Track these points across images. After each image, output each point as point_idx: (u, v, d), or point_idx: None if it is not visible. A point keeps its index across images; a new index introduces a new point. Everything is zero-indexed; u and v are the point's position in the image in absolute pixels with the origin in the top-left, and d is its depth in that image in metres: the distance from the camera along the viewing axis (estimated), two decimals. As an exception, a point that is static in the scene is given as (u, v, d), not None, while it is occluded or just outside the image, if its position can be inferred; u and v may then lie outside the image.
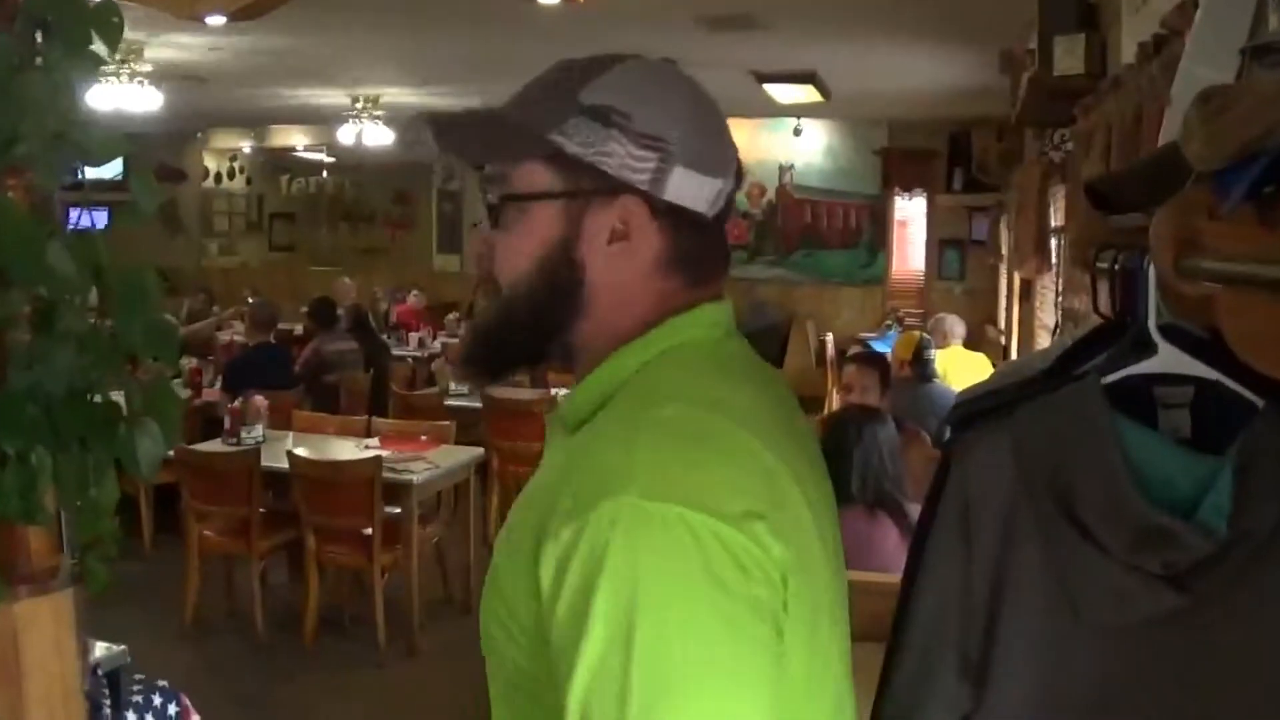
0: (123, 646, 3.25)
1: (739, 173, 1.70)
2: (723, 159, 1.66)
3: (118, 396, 2.29)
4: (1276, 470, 1.58)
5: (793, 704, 1.44)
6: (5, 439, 2.09)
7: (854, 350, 10.31)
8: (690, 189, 1.63)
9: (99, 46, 2.20)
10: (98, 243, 2.19)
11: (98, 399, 2.27)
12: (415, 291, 17.95)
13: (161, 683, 3.38)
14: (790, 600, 1.42)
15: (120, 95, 12.20)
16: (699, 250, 1.67)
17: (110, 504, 2.33)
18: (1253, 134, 1.37)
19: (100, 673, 3.07)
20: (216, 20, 8.79)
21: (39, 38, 2.19)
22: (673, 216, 1.64)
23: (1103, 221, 2.26)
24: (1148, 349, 1.75)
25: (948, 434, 1.88)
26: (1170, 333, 1.75)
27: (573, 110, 1.63)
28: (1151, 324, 1.75)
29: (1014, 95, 9.35)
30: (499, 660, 1.60)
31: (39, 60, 2.19)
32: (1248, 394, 1.69)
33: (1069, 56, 6.20)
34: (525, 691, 1.55)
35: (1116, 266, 1.92)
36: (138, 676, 3.32)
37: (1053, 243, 7.87)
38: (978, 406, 1.84)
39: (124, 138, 2.24)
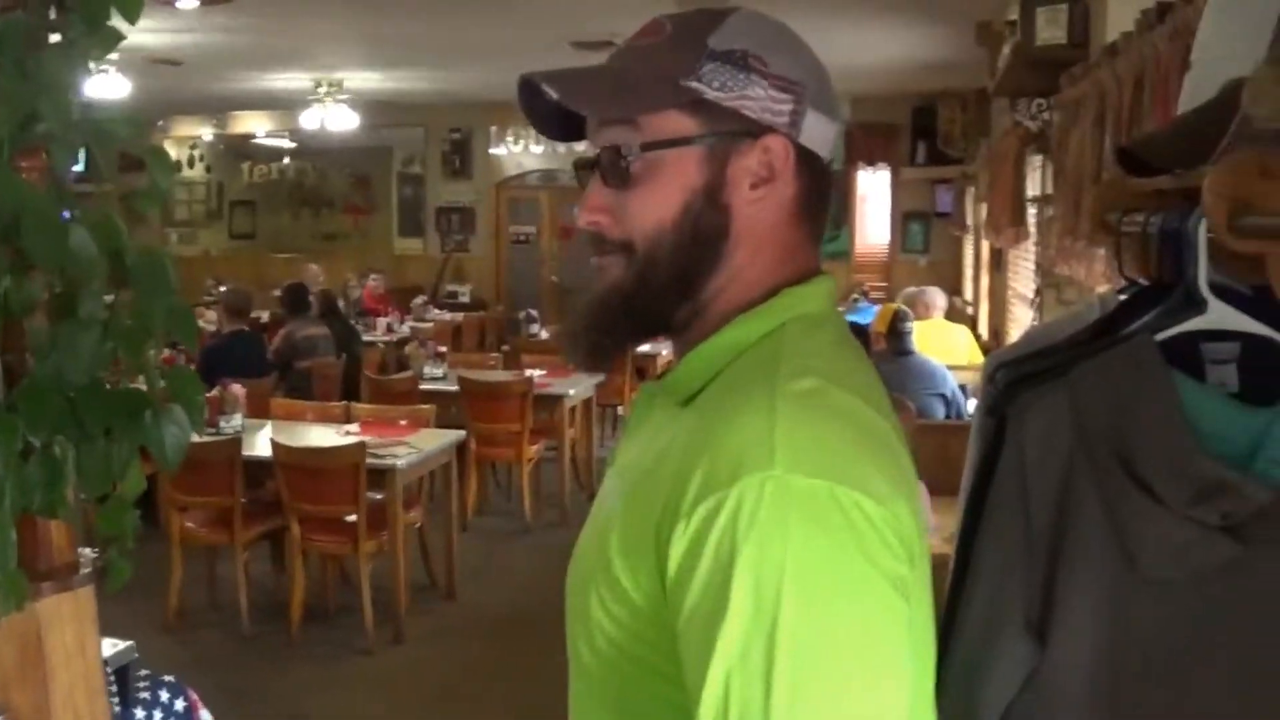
0: (130, 642, 3.22)
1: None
2: (836, 103, 1.70)
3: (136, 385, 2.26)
4: (1328, 421, 1.59)
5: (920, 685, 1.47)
6: (30, 430, 2.06)
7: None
8: (819, 131, 1.66)
9: (118, 21, 2.17)
10: (117, 224, 2.17)
11: (119, 387, 2.24)
12: (374, 276, 17.86)
13: (168, 678, 3.35)
14: (916, 580, 1.43)
15: (88, 83, 12.01)
16: (824, 197, 1.70)
17: (135, 495, 2.31)
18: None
19: (109, 669, 3.05)
20: (189, 3, 8.77)
21: (53, 14, 2.16)
22: (807, 160, 1.66)
23: (1120, 185, 2.26)
24: (1197, 306, 1.75)
25: (992, 397, 1.88)
26: (1216, 290, 1.76)
27: (706, 57, 1.62)
28: (1202, 281, 1.75)
29: (992, 66, 9.37)
30: (593, 647, 1.55)
31: (55, 37, 2.16)
32: (1301, 348, 1.70)
33: (1051, 26, 6.24)
34: (626, 677, 1.53)
35: (1150, 228, 1.91)
36: (143, 672, 3.29)
37: (1029, 212, 7.88)
38: (1025, 369, 1.84)
39: (141, 119, 2.22)
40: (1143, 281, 2.03)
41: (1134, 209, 2.06)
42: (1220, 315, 1.75)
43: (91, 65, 2.21)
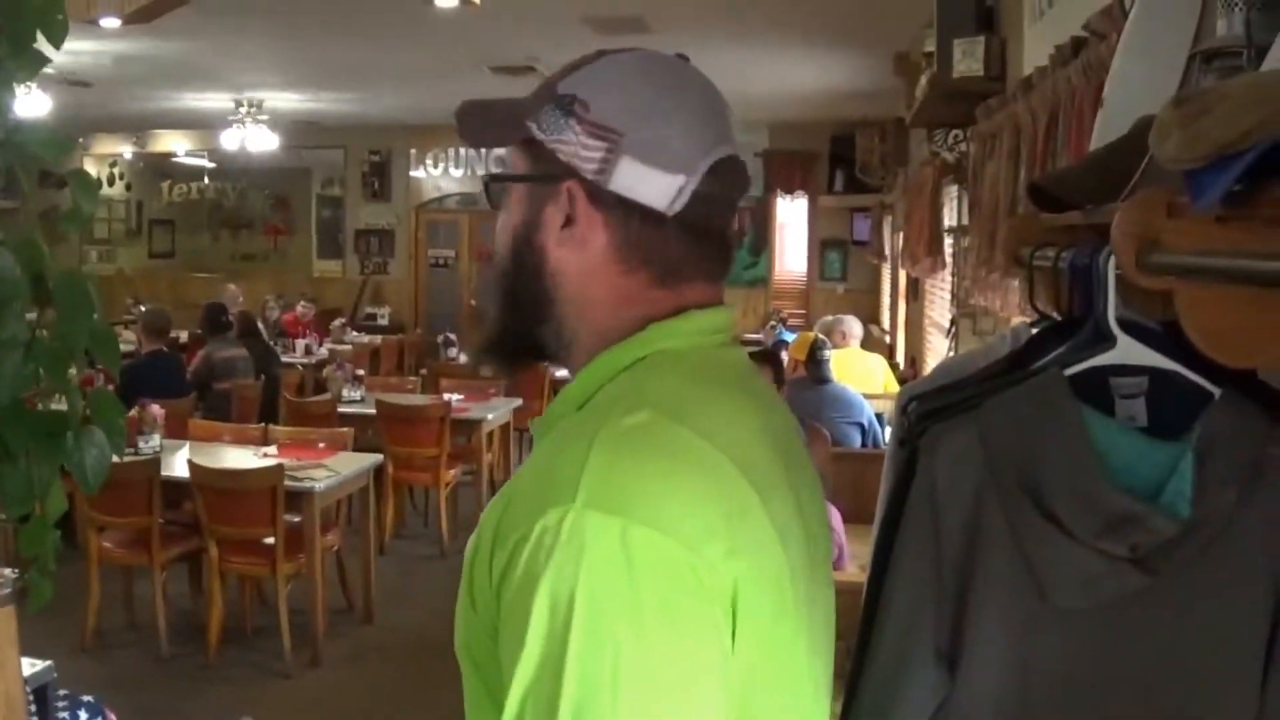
0: (49, 662, 3.21)
1: (729, 176, 1.67)
2: (685, 156, 1.62)
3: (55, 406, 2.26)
4: (1234, 454, 1.64)
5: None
6: (-48, 451, 2.06)
7: (747, 350, 10.35)
8: (640, 182, 1.62)
9: (43, 44, 2.17)
10: (39, 246, 2.17)
11: (40, 408, 2.24)
12: (304, 302, 17.75)
13: (87, 697, 3.34)
14: (741, 616, 1.42)
15: (14, 103, 11.92)
16: (661, 247, 1.66)
17: (56, 515, 2.31)
18: (1230, 136, 1.40)
19: (27, 689, 3.03)
20: (111, 23, 8.74)
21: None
22: (623, 209, 1.64)
23: (1033, 220, 2.31)
24: (1106, 341, 1.79)
25: (904, 429, 1.91)
26: (1125, 325, 1.80)
27: (549, 99, 1.66)
28: (1111, 317, 1.79)
29: (909, 97, 9.43)
30: (471, 663, 1.57)
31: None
32: (1204, 382, 1.74)
33: (968, 59, 6.28)
34: (487, 682, 1.54)
35: (1061, 263, 1.95)
36: (62, 691, 3.28)
37: (946, 242, 7.95)
38: (938, 401, 1.88)
39: (69, 139, 2.22)
40: (1054, 315, 2.07)
41: (1046, 244, 2.10)
42: (1128, 350, 1.79)
43: (20, 87, 2.21)
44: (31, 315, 2.19)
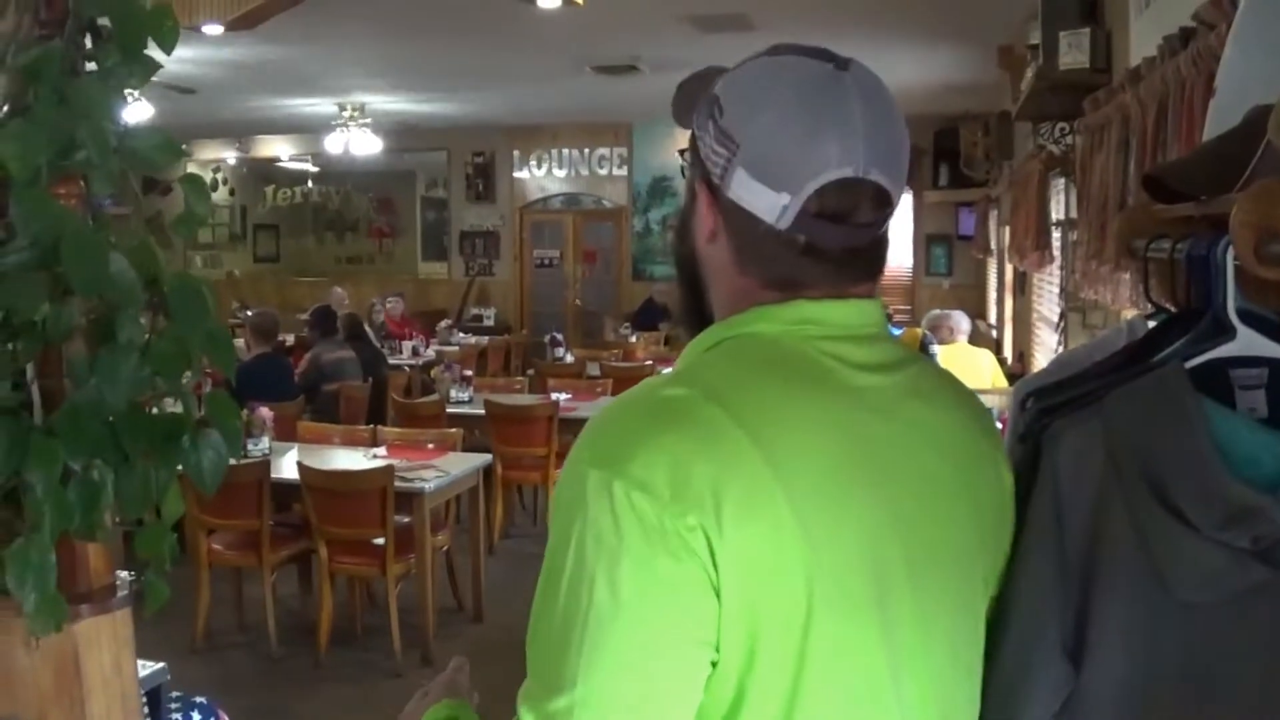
0: (161, 664, 3.24)
1: (845, 199, 1.65)
2: (792, 175, 1.62)
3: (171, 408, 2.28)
4: (1356, 445, 1.61)
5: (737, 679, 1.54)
6: (69, 454, 2.08)
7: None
8: (750, 194, 1.65)
9: (154, 51, 2.19)
10: (154, 251, 2.19)
11: (156, 410, 2.26)
12: (391, 299, 17.62)
13: (199, 699, 3.37)
14: (725, 578, 1.50)
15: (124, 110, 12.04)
16: (773, 259, 1.68)
17: (174, 518, 2.33)
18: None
19: (141, 691, 3.06)
20: (214, 29, 8.83)
21: (89, 43, 2.18)
22: (740, 215, 1.67)
23: (1146, 211, 2.28)
24: (1226, 333, 1.76)
25: (1025, 425, 1.90)
26: (1244, 316, 1.77)
27: (709, 95, 1.73)
28: (1230, 308, 1.76)
29: (1014, 90, 9.36)
30: None
31: (91, 65, 2.18)
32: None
33: (1074, 51, 6.24)
34: None
35: (1177, 255, 1.93)
36: (175, 694, 3.31)
37: (1054, 235, 7.88)
38: (1059, 396, 1.86)
39: (178, 144, 2.24)
40: (1169, 307, 2.04)
41: (1159, 235, 2.07)
42: (1248, 342, 1.77)
43: (128, 93, 2.23)
44: (145, 321, 2.21)
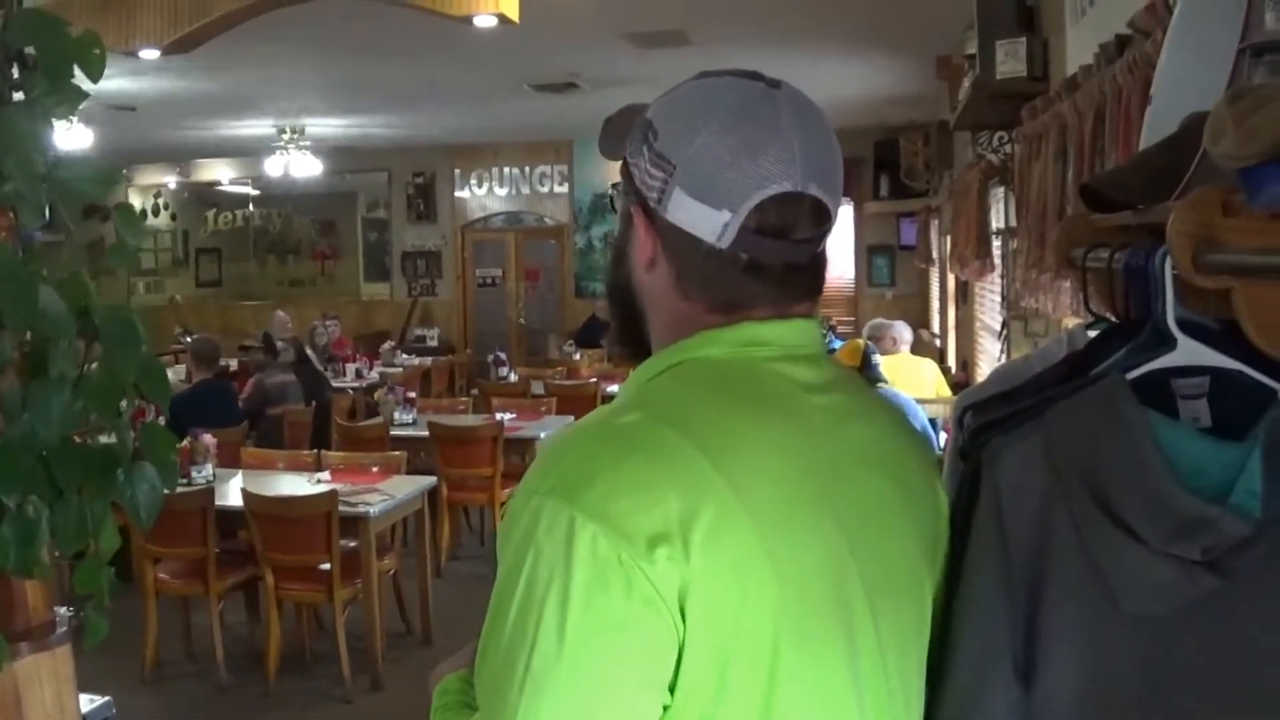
0: (107, 697, 3.21)
1: (786, 213, 1.64)
2: (732, 192, 1.62)
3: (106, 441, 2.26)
4: (1303, 449, 1.60)
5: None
6: (3, 491, 2.05)
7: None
8: (689, 215, 1.64)
9: (81, 79, 2.17)
10: (85, 283, 2.16)
11: (91, 444, 2.23)
12: (329, 321, 17.34)
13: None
14: (693, 616, 1.46)
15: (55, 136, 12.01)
16: (716, 279, 1.67)
17: (110, 552, 2.30)
18: (1289, 132, 1.38)
19: (86, 725, 3.03)
20: (150, 54, 8.77)
21: (15, 72, 2.16)
22: (679, 238, 1.66)
23: (1084, 221, 2.27)
24: (1167, 343, 1.76)
25: (962, 441, 1.89)
26: (1184, 325, 1.77)
27: (642, 122, 1.72)
28: (1170, 318, 1.76)
29: (951, 100, 9.40)
30: None
31: (18, 95, 2.16)
32: (1266, 380, 1.71)
33: (1011, 60, 6.26)
34: None
35: (1115, 265, 1.92)
36: (120, 728, 3.27)
37: (994, 244, 7.91)
38: (997, 411, 1.85)
39: (117, 171, 2.21)
40: (1109, 317, 2.04)
41: (1098, 245, 2.07)
42: (1189, 351, 1.76)
43: (56, 122, 2.21)
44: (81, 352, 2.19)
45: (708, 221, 1.63)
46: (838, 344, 11.34)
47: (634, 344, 1.81)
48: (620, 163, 1.78)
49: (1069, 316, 4.30)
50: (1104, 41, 3.82)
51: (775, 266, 1.67)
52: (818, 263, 1.74)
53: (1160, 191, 1.91)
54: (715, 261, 1.65)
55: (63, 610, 2.39)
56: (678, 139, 1.65)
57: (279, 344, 12.44)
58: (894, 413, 1.88)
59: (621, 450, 1.51)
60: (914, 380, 9.98)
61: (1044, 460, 1.70)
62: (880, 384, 8.44)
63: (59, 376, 2.09)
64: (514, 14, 7.72)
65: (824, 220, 1.70)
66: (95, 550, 2.28)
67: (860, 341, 9.00)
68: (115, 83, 12.24)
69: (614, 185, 1.82)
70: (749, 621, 1.49)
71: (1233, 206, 1.58)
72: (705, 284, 1.68)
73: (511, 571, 1.49)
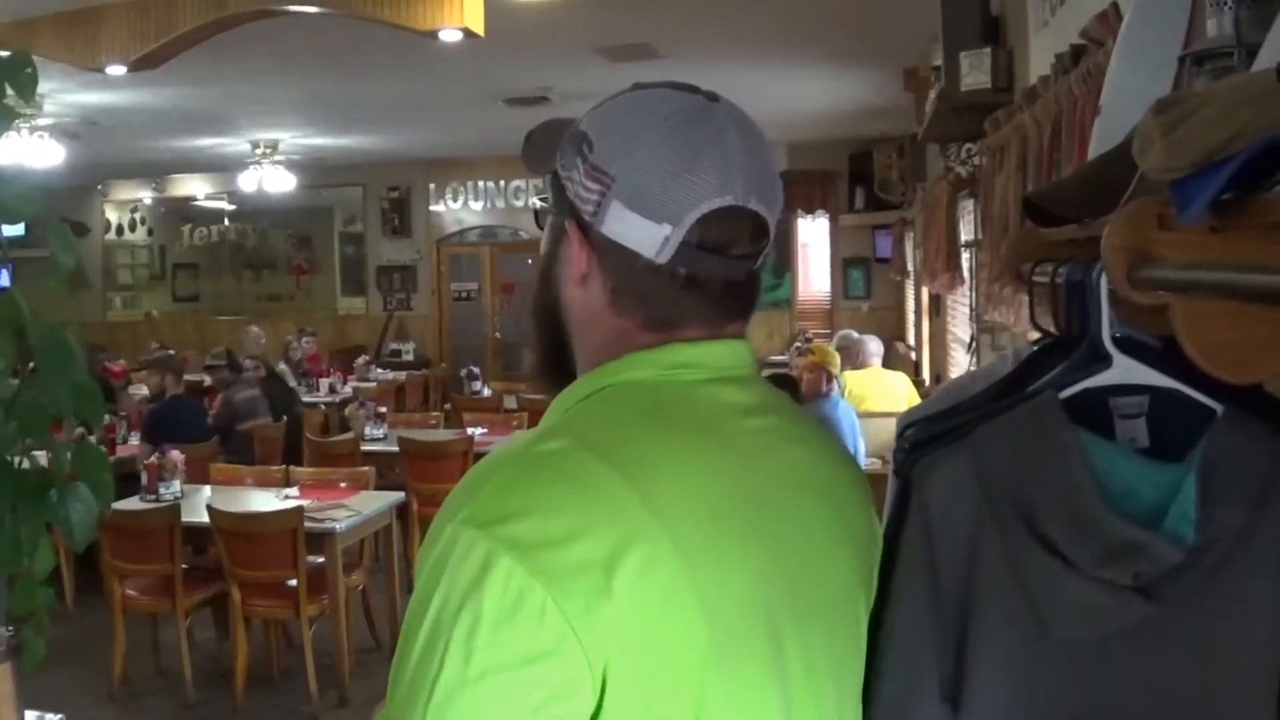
0: (60, 716, 3.18)
1: (727, 227, 1.62)
2: (671, 206, 1.58)
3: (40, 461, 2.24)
4: (1239, 474, 1.57)
5: None
6: (-67, 512, 2.02)
7: (766, 374, 10.29)
8: (627, 229, 1.60)
9: (11, 99, 2.15)
10: (18, 303, 2.14)
11: (24, 465, 2.21)
12: (307, 337, 17.27)
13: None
14: (618, 650, 1.42)
15: (21, 149, 12.06)
16: (653, 295, 1.63)
17: (45, 573, 2.28)
18: (1216, 142, 1.35)
19: (39, 744, 3.00)
20: (117, 70, 8.76)
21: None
22: (616, 253, 1.62)
23: (1034, 235, 2.25)
24: (1103, 361, 1.74)
25: (900, 458, 1.86)
26: (1122, 343, 1.74)
27: (572, 134, 1.68)
28: (1105, 336, 1.73)
29: (919, 112, 9.40)
30: None
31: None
32: (1206, 400, 1.68)
33: (975, 71, 6.25)
34: None
35: (1058, 279, 1.90)
36: (77, 744, 3.24)
37: (964, 256, 7.91)
38: (931, 429, 1.82)
39: (39, 193, 2.19)
40: (1055, 333, 2.02)
41: (1046, 259, 2.05)
42: (1126, 369, 1.73)
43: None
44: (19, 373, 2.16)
45: (647, 235, 1.59)
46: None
47: (557, 375, 1.76)
48: (546, 177, 1.75)
49: (1032, 330, 4.28)
50: (1060, 52, 3.80)
51: (713, 283, 1.63)
52: (754, 280, 1.70)
53: (1103, 205, 1.87)
54: (652, 277, 1.61)
55: (2, 630, 2.36)
56: (615, 150, 1.61)
57: (246, 362, 12.40)
58: (825, 434, 1.85)
59: (542, 480, 1.47)
60: (887, 394, 9.98)
61: (974, 480, 1.67)
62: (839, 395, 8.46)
63: (-10, 397, 2.06)
64: (479, 28, 7.73)
65: (763, 236, 1.67)
66: (30, 571, 2.25)
67: (827, 348, 8.99)
68: (88, 98, 12.24)
69: (541, 198, 1.77)
70: (674, 654, 1.45)
71: (1169, 220, 1.55)
72: (641, 301, 1.64)
73: (423, 596, 1.44)
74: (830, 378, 8.49)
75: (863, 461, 8.00)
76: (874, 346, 10.80)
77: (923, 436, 1.82)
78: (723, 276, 1.64)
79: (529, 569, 1.38)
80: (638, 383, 1.62)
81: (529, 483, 1.47)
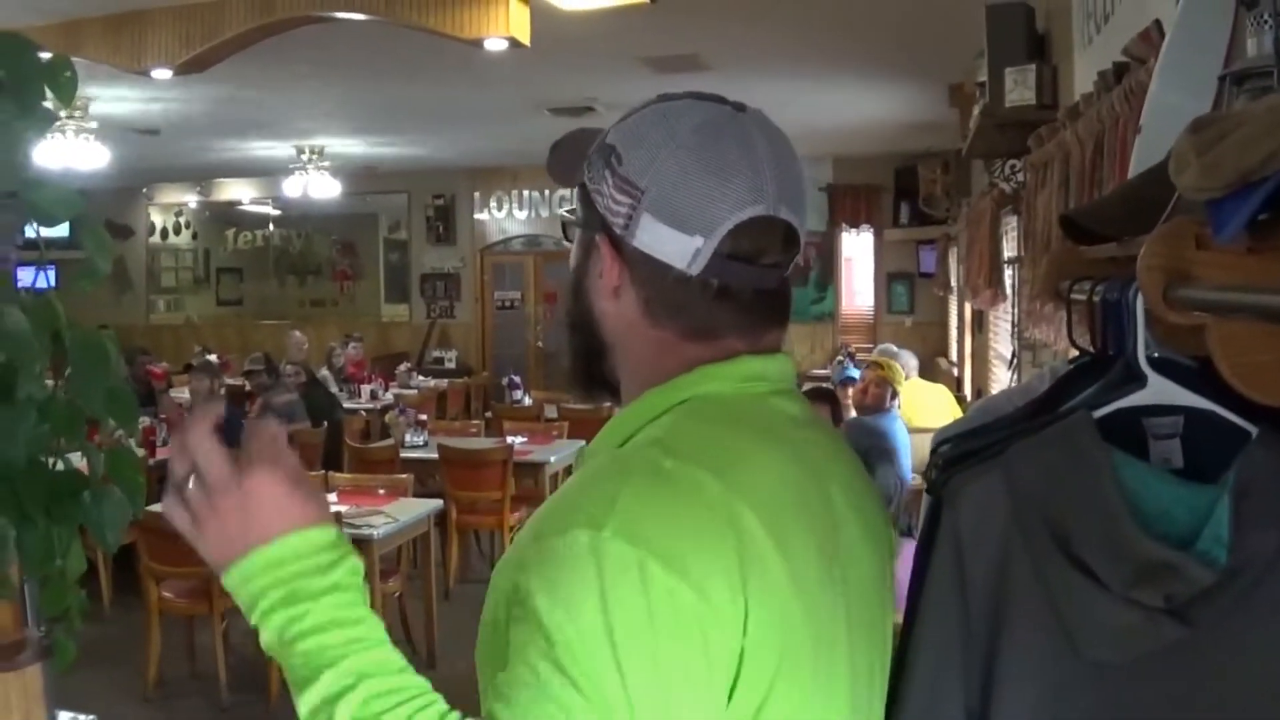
0: (91, 717, 3.19)
1: (758, 237, 1.63)
2: (703, 218, 1.60)
3: (77, 463, 2.24)
4: (1273, 496, 1.55)
5: None
6: (-34, 512, 2.03)
7: (807, 387, 10.29)
8: (659, 241, 1.61)
9: (51, 102, 2.15)
10: (55, 306, 2.14)
11: (59, 467, 2.21)
12: (354, 344, 17.30)
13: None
14: (747, 659, 1.44)
15: (68, 152, 12.17)
16: (687, 306, 1.65)
17: (77, 574, 2.28)
18: (1251, 163, 1.34)
19: (70, 744, 3.01)
20: (163, 74, 8.79)
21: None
22: (648, 265, 1.63)
23: (1074, 253, 2.24)
24: (1137, 381, 1.72)
25: (933, 475, 1.85)
26: (1158, 363, 1.73)
27: (600, 146, 1.69)
28: (1140, 356, 1.72)
29: (963, 128, 9.38)
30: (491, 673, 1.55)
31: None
32: (1241, 422, 1.66)
33: (1020, 87, 6.22)
34: None
35: (1095, 298, 1.89)
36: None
37: (1006, 273, 7.88)
38: (965, 447, 1.81)
39: (78, 195, 2.19)
40: (1093, 351, 2.01)
41: (1084, 277, 2.04)
42: (1160, 389, 1.72)
43: (33, 140, 2.19)
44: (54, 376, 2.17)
45: (678, 247, 1.60)
46: (856, 372, 11.32)
47: (595, 381, 1.78)
48: (574, 190, 1.75)
49: (1073, 349, 4.27)
50: (1103, 69, 3.79)
51: (744, 292, 1.65)
52: (785, 288, 1.72)
53: (1142, 224, 1.86)
54: (684, 288, 1.63)
55: (32, 633, 2.37)
56: (645, 162, 1.62)
57: (287, 368, 12.43)
58: (849, 448, 1.87)
59: (670, 496, 1.48)
60: (928, 407, 9.96)
61: (1006, 499, 1.66)
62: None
63: (26, 399, 2.07)
64: (525, 38, 7.74)
65: (793, 244, 1.68)
66: (62, 572, 2.26)
67: (895, 364, 8.94)
68: (135, 104, 12.30)
69: (569, 211, 1.78)
70: (790, 649, 1.50)
71: (1206, 240, 1.54)
72: (675, 311, 1.65)
73: (565, 614, 1.39)
74: (895, 394, 8.45)
75: (908, 478, 7.99)
76: (911, 362, 10.78)
77: (956, 454, 1.81)
78: (754, 285, 1.66)
79: (683, 582, 1.40)
80: (717, 395, 1.65)
81: (660, 501, 1.47)
